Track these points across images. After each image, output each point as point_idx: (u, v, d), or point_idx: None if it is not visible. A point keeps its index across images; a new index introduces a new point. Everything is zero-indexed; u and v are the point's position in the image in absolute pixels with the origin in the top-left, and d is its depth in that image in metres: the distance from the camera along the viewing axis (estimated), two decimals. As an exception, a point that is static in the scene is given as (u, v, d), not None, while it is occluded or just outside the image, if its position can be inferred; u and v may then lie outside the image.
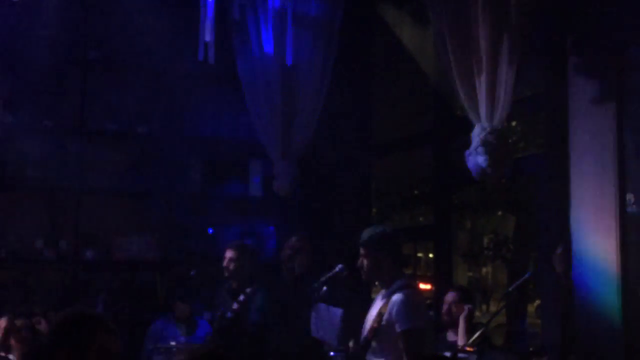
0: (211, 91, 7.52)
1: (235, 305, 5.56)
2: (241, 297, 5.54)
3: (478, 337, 5.20)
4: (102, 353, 2.76)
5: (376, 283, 4.70)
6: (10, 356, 4.94)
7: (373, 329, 4.35)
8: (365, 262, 4.45)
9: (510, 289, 5.27)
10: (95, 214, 7.22)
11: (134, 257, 7.24)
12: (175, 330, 6.32)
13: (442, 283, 6.63)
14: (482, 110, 4.49)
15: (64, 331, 2.81)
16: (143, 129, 7.34)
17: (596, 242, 4.64)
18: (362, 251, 4.47)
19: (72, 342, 2.76)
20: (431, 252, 15.05)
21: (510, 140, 7.89)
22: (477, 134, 4.52)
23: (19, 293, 6.95)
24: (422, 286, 9.09)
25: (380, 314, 4.34)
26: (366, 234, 4.51)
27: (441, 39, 4.75)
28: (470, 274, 22.42)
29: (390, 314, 4.29)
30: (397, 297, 4.31)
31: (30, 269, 7.07)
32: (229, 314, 5.54)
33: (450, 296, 5.61)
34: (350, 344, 4.52)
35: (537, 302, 12.29)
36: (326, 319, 4.54)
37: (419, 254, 20.16)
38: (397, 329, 4.25)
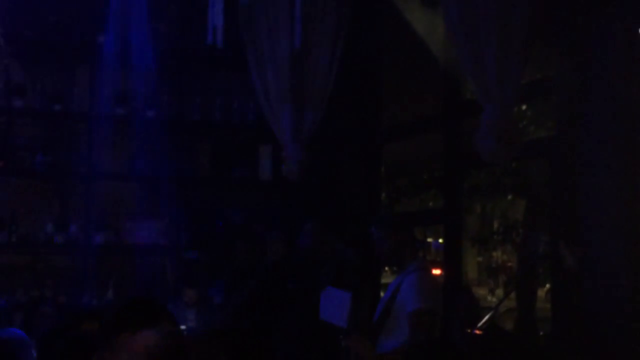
0: (220, 75, 7.51)
1: (245, 290, 5.56)
2: (252, 282, 5.55)
3: (486, 321, 5.20)
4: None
5: (394, 268, 4.70)
6: None
7: (386, 310, 4.36)
8: (387, 243, 4.44)
9: (519, 273, 5.26)
10: (105, 199, 7.23)
11: (143, 241, 7.26)
12: (185, 315, 6.33)
13: (452, 267, 6.62)
14: (492, 92, 4.46)
15: (126, 318, 2.67)
16: (152, 113, 7.34)
17: (608, 226, 4.62)
18: (383, 233, 4.45)
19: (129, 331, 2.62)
20: (441, 237, 15.02)
21: (520, 125, 7.86)
22: (486, 116, 4.49)
23: (30, 278, 6.99)
24: (433, 271, 9.08)
25: (393, 295, 4.35)
26: (385, 216, 4.53)
27: (451, 21, 4.71)
28: (480, 259, 22.38)
29: (402, 295, 4.29)
30: (410, 278, 4.31)
31: (41, 253, 7.10)
32: (238, 297, 5.54)
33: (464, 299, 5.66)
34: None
35: (547, 286, 12.27)
36: (335, 302, 4.54)
37: (429, 239, 20.15)
38: (407, 309, 4.25)
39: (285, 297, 5.36)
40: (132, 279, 7.23)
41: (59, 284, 7.00)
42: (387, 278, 6.93)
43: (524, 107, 8.85)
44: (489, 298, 16.79)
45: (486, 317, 5.20)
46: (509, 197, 12.74)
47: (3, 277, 6.88)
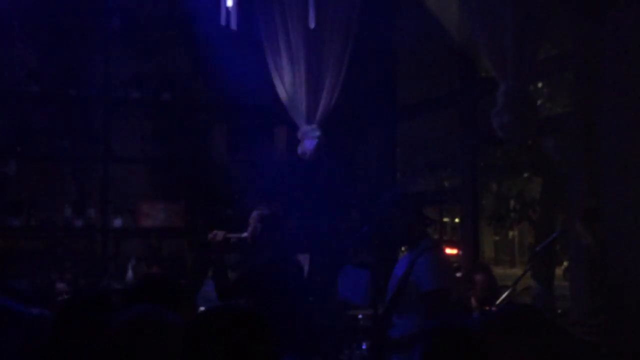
0: (234, 57, 7.50)
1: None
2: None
3: (504, 299, 5.19)
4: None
5: (403, 248, 4.69)
6: None
7: (399, 290, 4.34)
8: (394, 222, 4.43)
9: (537, 249, 5.22)
10: (122, 182, 7.28)
11: (161, 224, 7.31)
12: None
13: (469, 246, 6.61)
14: (508, 68, 4.43)
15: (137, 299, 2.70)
16: (167, 96, 7.36)
17: (625, 201, 4.59)
18: (391, 211, 4.44)
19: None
20: (457, 217, 15.01)
21: (536, 102, 7.81)
22: (502, 93, 4.46)
23: (49, 261, 7.05)
24: (449, 251, 9.08)
25: (405, 275, 4.33)
26: (392, 194, 4.50)
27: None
28: (497, 237, 22.37)
29: (415, 274, 4.28)
30: (422, 258, 4.29)
31: (60, 237, 7.16)
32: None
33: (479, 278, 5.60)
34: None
35: (565, 264, 12.26)
36: (354, 280, 4.56)
37: (445, 219, 20.14)
38: (421, 289, 4.24)
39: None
40: (151, 262, 7.28)
41: (77, 267, 7.05)
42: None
43: (539, 84, 8.81)
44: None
45: (504, 295, 5.20)
46: (525, 175, 12.70)
47: (22, 261, 6.94)
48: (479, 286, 5.64)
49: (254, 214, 5.23)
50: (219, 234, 5.10)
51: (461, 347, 2.26)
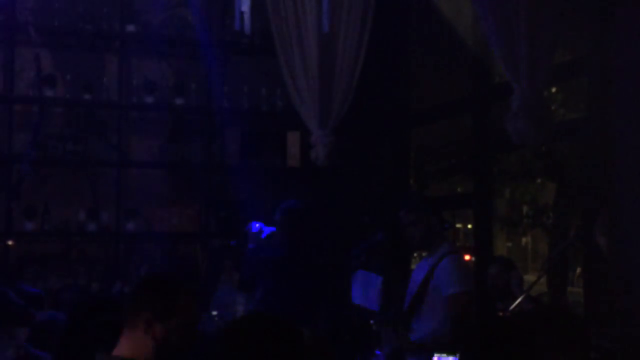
0: (248, 61, 7.52)
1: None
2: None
3: (517, 304, 5.17)
4: (185, 317, 2.66)
5: (423, 254, 4.68)
6: None
7: (419, 295, 4.35)
8: (417, 227, 4.42)
9: (551, 255, 5.20)
10: (136, 187, 7.30)
11: (174, 228, 7.32)
12: (234, 299, 6.40)
13: (482, 253, 6.59)
14: (523, 72, 4.41)
15: (147, 294, 2.70)
16: (181, 101, 7.38)
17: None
18: (412, 217, 4.43)
19: (154, 305, 2.64)
20: (470, 223, 14.97)
21: (551, 107, 7.78)
22: (517, 97, 4.45)
23: (62, 266, 7.07)
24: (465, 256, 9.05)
25: (426, 280, 4.34)
26: (415, 199, 4.52)
27: (480, 1, 4.67)
28: (510, 244, 22.30)
29: (436, 279, 4.29)
30: (443, 262, 4.31)
31: (73, 241, 7.19)
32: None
33: (492, 268, 5.55)
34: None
35: (579, 270, 12.18)
36: (366, 286, 4.56)
37: (458, 225, 20.08)
38: (443, 293, 4.25)
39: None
40: (164, 266, 7.29)
41: (91, 271, 7.07)
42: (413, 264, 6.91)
43: (554, 89, 8.77)
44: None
45: (517, 301, 5.17)
46: (539, 180, 12.65)
47: (36, 265, 6.97)
48: (491, 280, 5.58)
49: (279, 207, 5.28)
50: (255, 225, 5.15)
51: (507, 342, 2.26)
